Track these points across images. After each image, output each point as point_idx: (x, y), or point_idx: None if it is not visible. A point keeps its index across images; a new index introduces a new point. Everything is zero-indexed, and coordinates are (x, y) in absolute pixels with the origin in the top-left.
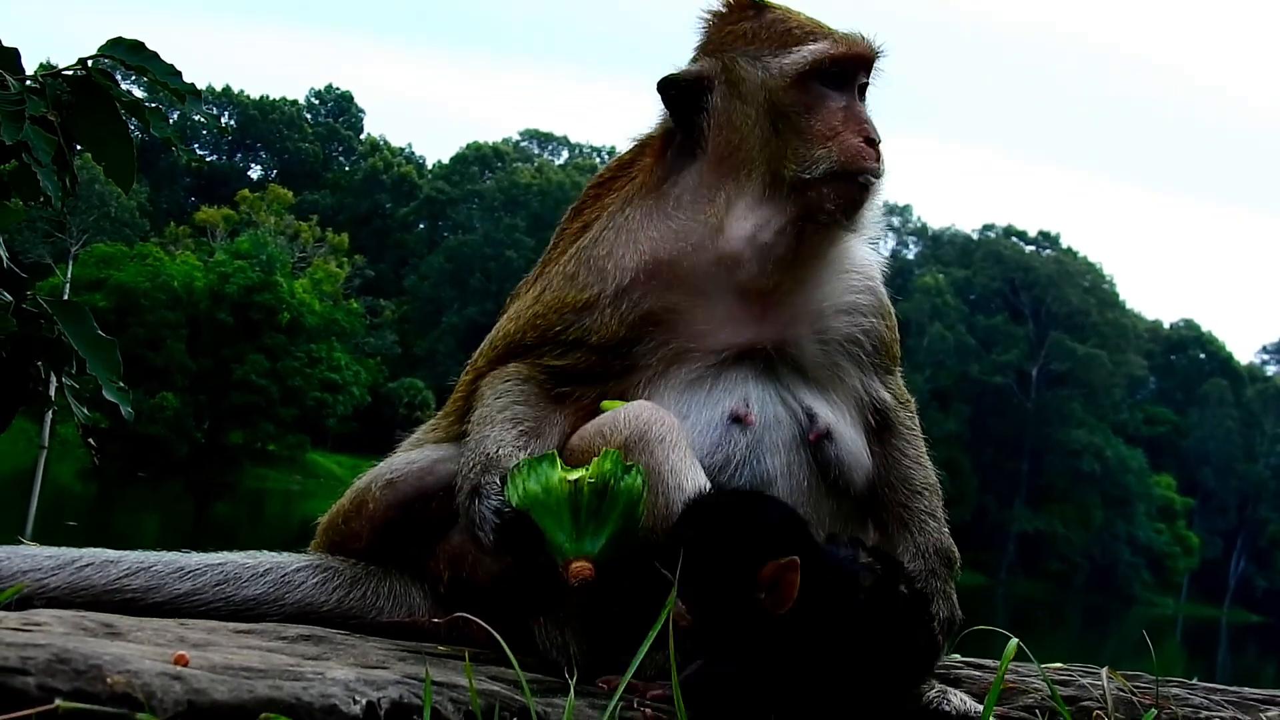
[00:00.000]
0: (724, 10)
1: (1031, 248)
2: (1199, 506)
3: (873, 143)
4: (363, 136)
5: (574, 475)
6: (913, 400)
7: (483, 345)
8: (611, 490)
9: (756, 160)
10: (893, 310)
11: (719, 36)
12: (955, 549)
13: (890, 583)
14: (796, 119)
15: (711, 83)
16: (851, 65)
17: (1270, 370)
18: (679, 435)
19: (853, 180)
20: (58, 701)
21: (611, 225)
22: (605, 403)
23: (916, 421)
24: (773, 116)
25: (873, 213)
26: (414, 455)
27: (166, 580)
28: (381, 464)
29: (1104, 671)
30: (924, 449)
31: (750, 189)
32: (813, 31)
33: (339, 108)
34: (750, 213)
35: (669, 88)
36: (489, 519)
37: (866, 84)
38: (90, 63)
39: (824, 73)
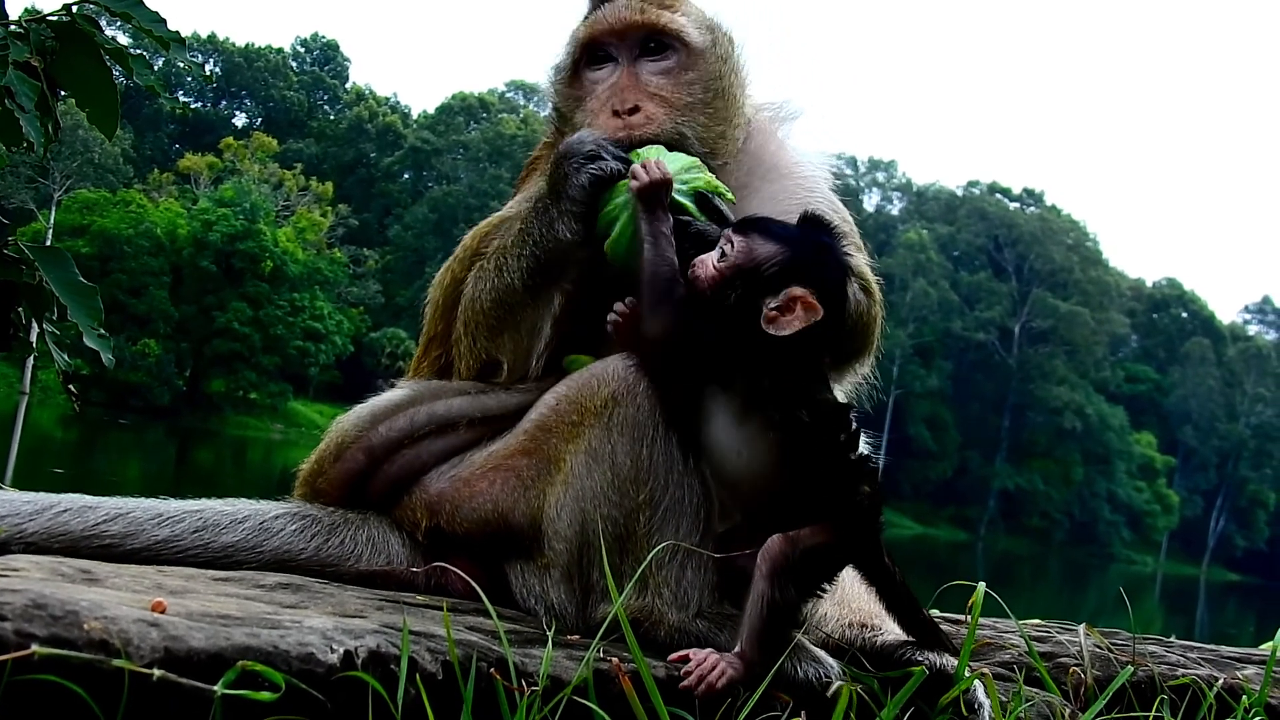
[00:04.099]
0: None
1: (1015, 204)
2: (1179, 465)
3: (619, 113)
4: (348, 85)
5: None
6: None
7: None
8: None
9: None
10: (845, 212)
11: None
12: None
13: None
14: (572, 115)
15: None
16: (602, 47)
17: (1252, 330)
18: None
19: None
20: (34, 647)
21: (530, 194)
22: (569, 358)
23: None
24: (559, 120)
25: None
26: (388, 396)
27: (144, 526)
28: (358, 406)
29: (1081, 628)
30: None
31: None
32: (584, 20)
33: (324, 56)
34: None
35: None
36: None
37: (666, 47)
38: (74, 8)
39: (586, 60)
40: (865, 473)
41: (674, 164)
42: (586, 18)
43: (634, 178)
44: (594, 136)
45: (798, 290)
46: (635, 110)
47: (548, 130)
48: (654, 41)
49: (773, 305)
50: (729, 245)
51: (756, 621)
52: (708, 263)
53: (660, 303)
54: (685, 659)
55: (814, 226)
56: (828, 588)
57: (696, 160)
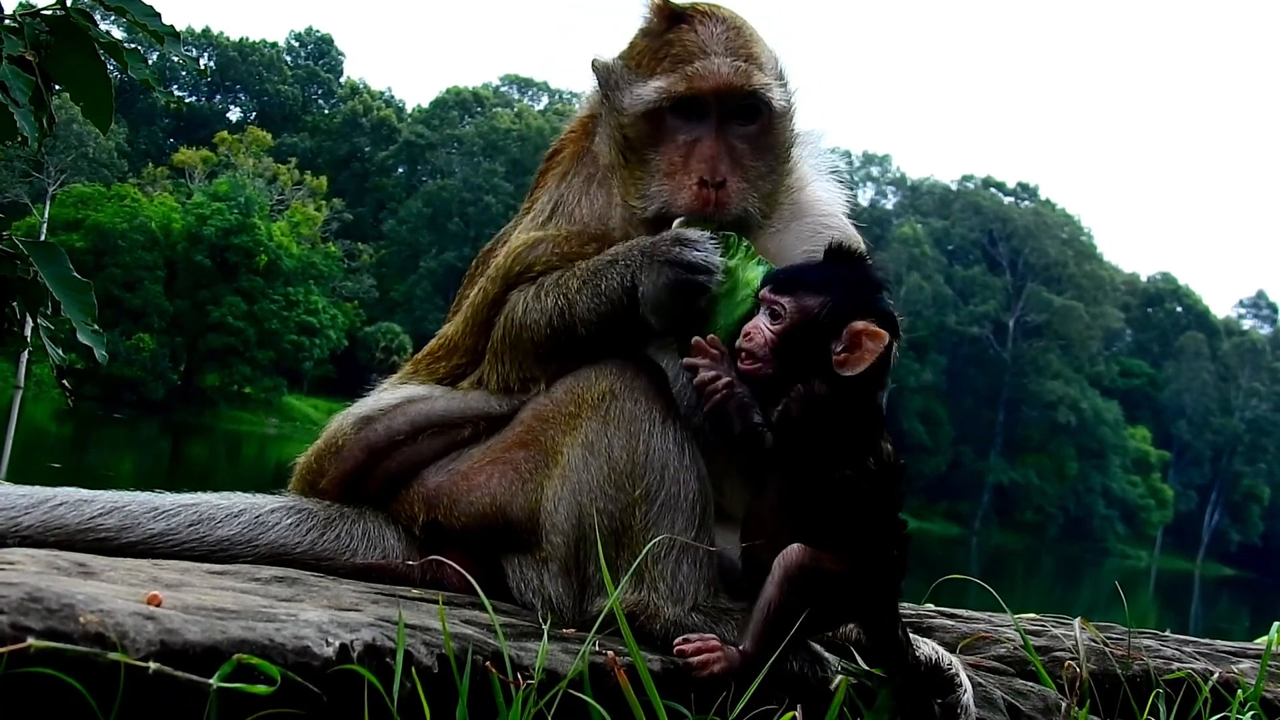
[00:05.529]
0: (647, 12)
1: (1010, 199)
2: (1174, 459)
3: (708, 184)
4: (342, 80)
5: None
6: None
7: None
8: None
9: (615, 179)
10: (859, 240)
11: (632, 39)
12: None
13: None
14: (643, 150)
15: (606, 84)
16: (697, 102)
17: (1246, 324)
18: (663, 385)
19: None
20: (30, 640)
21: (550, 200)
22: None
23: None
24: (623, 145)
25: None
26: (389, 394)
27: (140, 520)
28: (357, 403)
29: (1076, 622)
30: None
31: (622, 207)
32: (677, 62)
33: (319, 50)
34: (635, 231)
35: (594, 70)
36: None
37: (755, 112)
38: (69, 2)
39: (672, 107)
40: (900, 537)
41: (747, 287)
42: (677, 67)
43: (696, 368)
44: (707, 248)
45: (859, 324)
46: (723, 185)
47: (573, 124)
48: (745, 103)
49: (840, 349)
50: (779, 307)
51: (762, 625)
52: (761, 327)
53: (759, 468)
54: (687, 641)
55: (840, 258)
56: (832, 627)
57: (767, 271)
